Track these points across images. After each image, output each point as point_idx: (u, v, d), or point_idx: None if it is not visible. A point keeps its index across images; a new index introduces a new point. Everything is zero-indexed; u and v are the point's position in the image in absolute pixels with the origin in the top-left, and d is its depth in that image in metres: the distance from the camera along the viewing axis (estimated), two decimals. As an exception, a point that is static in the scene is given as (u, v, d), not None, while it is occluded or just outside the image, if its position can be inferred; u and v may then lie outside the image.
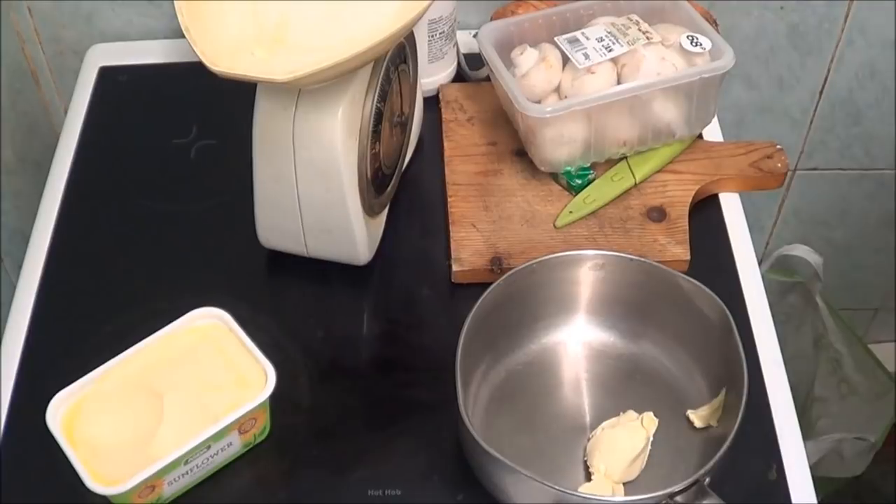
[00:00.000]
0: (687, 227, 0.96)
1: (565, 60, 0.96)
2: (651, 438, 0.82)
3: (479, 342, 0.82)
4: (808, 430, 1.42)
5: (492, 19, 1.06)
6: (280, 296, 0.95)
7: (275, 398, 0.80)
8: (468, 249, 0.94)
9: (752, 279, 0.95)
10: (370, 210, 0.91)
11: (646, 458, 0.82)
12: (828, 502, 1.44)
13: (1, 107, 1.25)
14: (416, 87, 0.99)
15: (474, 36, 1.01)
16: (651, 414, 0.83)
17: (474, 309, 0.81)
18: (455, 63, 1.11)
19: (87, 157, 1.06)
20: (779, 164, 1.01)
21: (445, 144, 1.03)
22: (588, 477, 0.81)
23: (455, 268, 0.93)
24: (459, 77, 1.11)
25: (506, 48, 0.98)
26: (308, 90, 0.83)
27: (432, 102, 1.08)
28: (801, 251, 1.46)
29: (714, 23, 1.05)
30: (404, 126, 0.97)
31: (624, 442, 0.81)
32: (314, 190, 0.87)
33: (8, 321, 0.92)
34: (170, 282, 0.94)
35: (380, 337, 0.93)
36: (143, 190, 1.02)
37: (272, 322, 0.90)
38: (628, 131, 0.97)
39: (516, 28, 1.00)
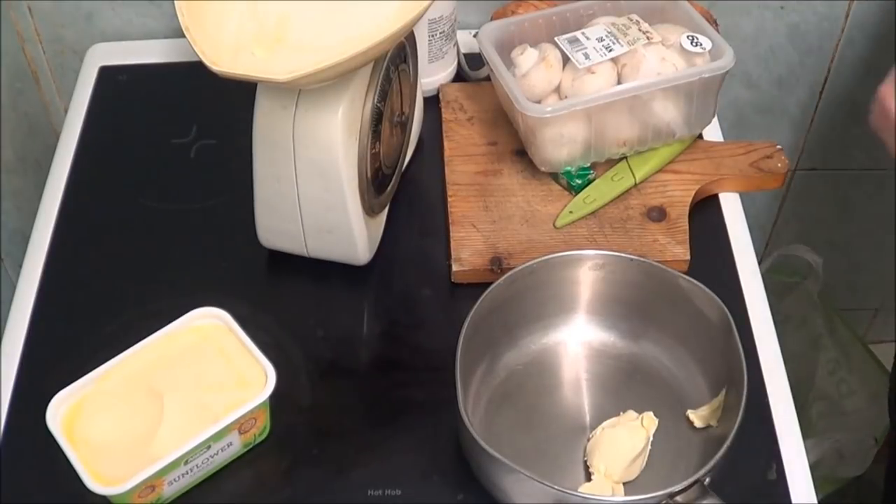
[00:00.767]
0: (687, 227, 0.96)
1: (565, 60, 0.96)
2: (651, 438, 0.82)
3: (479, 342, 0.82)
4: (808, 430, 1.42)
5: (492, 19, 1.06)
6: (280, 296, 0.95)
7: (275, 398, 0.80)
8: (468, 249, 0.94)
9: (752, 279, 0.95)
10: (370, 210, 0.91)
11: (646, 458, 0.82)
12: (828, 502, 1.44)
13: (1, 107, 1.25)
14: (416, 87, 0.99)
15: (474, 36, 1.01)
16: (651, 414, 0.83)
17: (474, 309, 0.81)
18: (455, 63, 1.11)
19: (87, 157, 1.06)
20: (779, 164, 1.01)
21: (445, 144, 1.03)
22: (588, 477, 0.81)
23: (455, 268, 0.93)
24: (459, 77, 1.12)
25: (506, 48, 0.98)
26: (308, 90, 0.83)
27: (432, 102, 1.08)
28: (801, 251, 1.46)
29: (714, 23, 1.05)
30: (404, 126, 0.97)
31: (624, 442, 0.81)
32: (314, 190, 0.87)
33: (8, 321, 0.92)
34: (170, 282, 0.94)
35: (380, 337, 0.93)
36: (143, 190, 1.02)
37: (272, 322, 0.90)
38: (628, 131, 0.97)
39: (516, 28, 1.00)
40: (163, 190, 1.02)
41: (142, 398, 0.79)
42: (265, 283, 0.96)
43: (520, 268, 0.85)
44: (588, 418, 0.85)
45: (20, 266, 0.97)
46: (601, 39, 0.96)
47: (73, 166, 1.04)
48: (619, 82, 0.95)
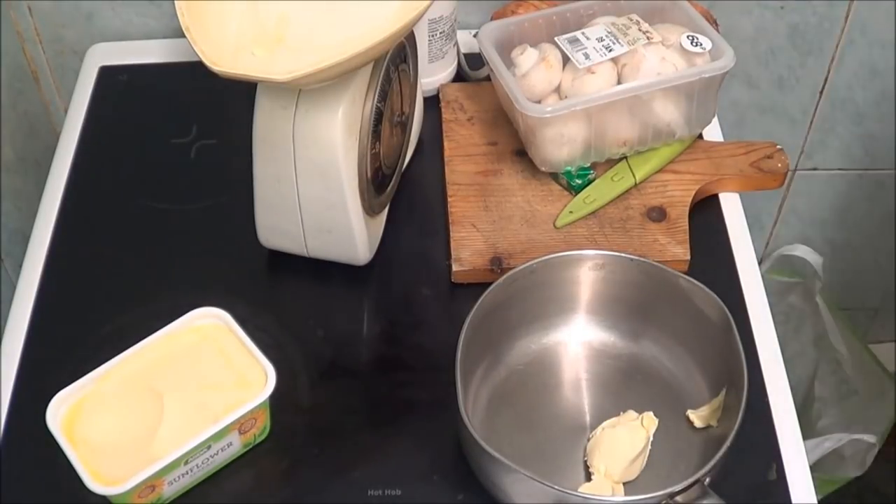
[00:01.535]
0: (687, 227, 0.96)
1: (565, 60, 0.96)
2: (651, 438, 0.82)
3: (479, 342, 0.82)
4: (808, 430, 1.42)
5: (492, 19, 1.06)
6: (280, 296, 0.95)
7: (275, 398, 0.80)
8: (468, 249, 0.94)
9: (752, 279, 0.95)
10: (370, 210, 0.91)
11: (646, 458, 0.82)
12: (828, 502, 1.44)
13: (1, 107, 1.25)
14: (416, 87, 0.99)
15: (474, 36, 1.01)
16: (651, 414, 0.83)
17: (474, 309, 0.81)
18: (455, 63, 1.11)
19: (87, 157, 1.06)
20: (779, 164, 1.01)
21: (445, 144, 1.03)
22: (588, 477, 0.81)
23: (455, 268, 0.93)
24: (459, 77, 1.12)
25: (506, 48, 0.98)
26: (308, 90, 0.83)
27: (432, 102, 1.08)
28: (801, 251, 1.46)
29: (714, 23, 1.05)
30: (404, 126, 0.97)
31: (624, 442, 0.81)
32: (314, 190, 0.87)
33: (8, 321, 0.92)
34: (170, 282, 0.94)
35: (380, 337, 0.93)
36: (143, 190, 1.02)
37: (272, 322, 0.90)
38: (628, 131, 0.97)
39: (516, 28, 1.00)
40: (163, 190, 1.02)
41: (142, 398, 0.79)
42: (265, 283, 0.96)
43: (520, 268, 0.85)
44: (588, 418, 0.85)
45: (20, 266, 0.97)
46: (601, 39, 0.96)
47: (73, 166, 1.04)
48: (619, 82, 0.95)
